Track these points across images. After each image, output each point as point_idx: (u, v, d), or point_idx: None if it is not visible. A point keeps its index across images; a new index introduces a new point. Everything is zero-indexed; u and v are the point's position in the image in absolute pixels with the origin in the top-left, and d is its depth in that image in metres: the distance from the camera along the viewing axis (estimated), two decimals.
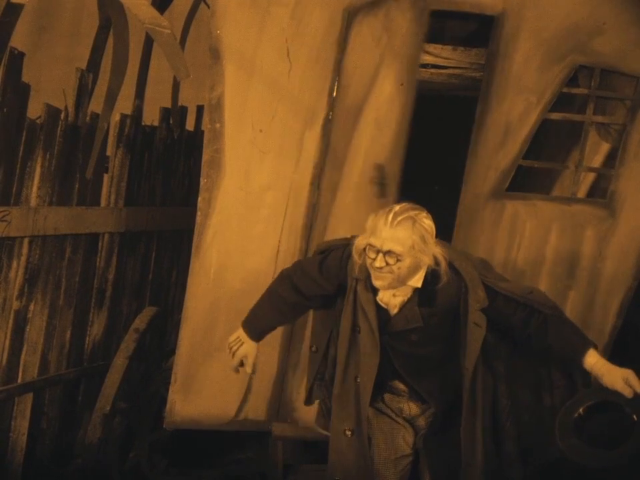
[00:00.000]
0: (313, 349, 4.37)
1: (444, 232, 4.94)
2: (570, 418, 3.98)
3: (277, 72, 4.67)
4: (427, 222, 3.91)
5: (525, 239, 5.04)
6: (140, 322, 5.67)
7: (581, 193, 5.17)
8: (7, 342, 5.21)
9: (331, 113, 4.76)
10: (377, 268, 3.87)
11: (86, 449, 5.33)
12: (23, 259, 5.23)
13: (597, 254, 5.09)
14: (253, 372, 4.30)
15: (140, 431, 5.65)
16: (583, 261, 5.10)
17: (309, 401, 4.44)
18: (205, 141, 4.74)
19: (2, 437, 5.27)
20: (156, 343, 5.92)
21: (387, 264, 3.86)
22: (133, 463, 5.65)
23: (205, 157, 4.74)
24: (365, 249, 3.90)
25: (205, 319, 4.88)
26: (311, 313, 4.42)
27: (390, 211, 3.89)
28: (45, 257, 5.38)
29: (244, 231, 4.83)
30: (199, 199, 4.78)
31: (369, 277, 3.97)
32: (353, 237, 4.01)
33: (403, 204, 3.94)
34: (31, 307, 5.34)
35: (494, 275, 4.14)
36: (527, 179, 5.19)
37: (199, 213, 4.79)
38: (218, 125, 4.69)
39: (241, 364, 4.28)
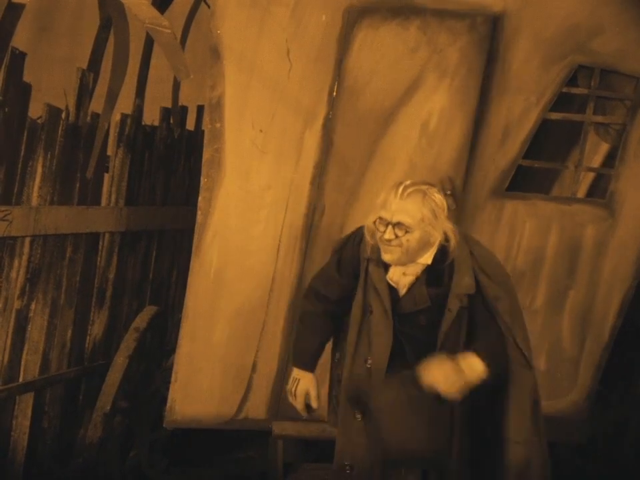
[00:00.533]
0: (337, 356, 4.32)
1: None
2: None
3: (277, 71, 4.68)
4: (437, 196, 3.89)
5: (525, 238, 5.05)
6: (140, 321, 5.68)
7: (581, 193, 5.18)
8: (8, 341, 5.22)
9: (331, 113, 4.77)
10: (386, 240, 3.85)
11: (87, 448, 5.34)
12: (24, 258, 5.24)
13: (597, 254, 5.09)
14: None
15: (140, 430, 5.66)
16: (582, 260, 5.10)
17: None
18: (205, 141, 4.75)
19: (3, 436, 5.28)
20: (156, 342, 5.93)
21: (396, 236, 3.83)
22: (133, 462, 5.66)
23: (205, 156, 4.74)
24: (375, 223, 3.88)
25: (205, 318, 4.89)
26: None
27: (400, 184, 3.87)
28: (46, 257, 5.39)
29: (244, 231, 4.84)
30: (199, 198, 4.78)
31: (380, 255, 3.93)
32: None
33: (415, 179, 3.93)
34: (32, 306, 5.35)
35: (488, 267, 4.02)
36: (526, 179, 5.19)
37: (199, 213, 4.79)
38: (218, 125, 4.70)
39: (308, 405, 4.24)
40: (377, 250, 3.95)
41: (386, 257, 3.90)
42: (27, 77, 5.12)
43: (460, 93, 4.80)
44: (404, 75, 4.76)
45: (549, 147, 5.26)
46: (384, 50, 4.72)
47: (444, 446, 4.04)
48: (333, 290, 4.17)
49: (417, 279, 3.96)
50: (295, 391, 4.23)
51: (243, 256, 4.85)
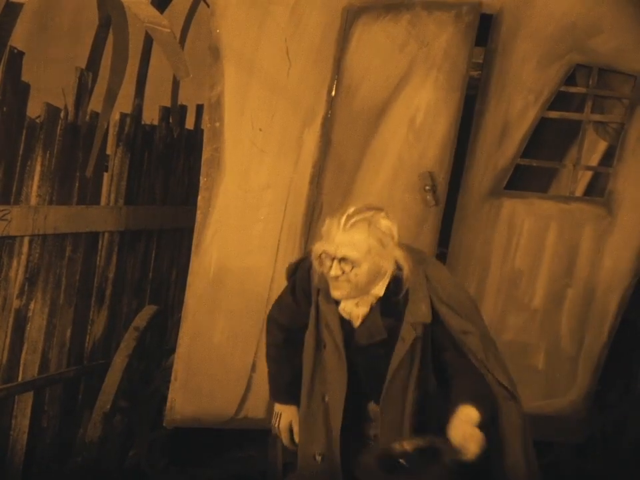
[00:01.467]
0: None
1: (443, 230, 4.97)
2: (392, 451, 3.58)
3: (276, 71, 4.68)
4: (384, 223, 3.61)
5: (523, 237, 5.05)
6: (140, 320, 5.68)
7: (579, 192, 5.19)
8: (8, 341, 5.22)
9: (330, 112, 4.77)
10: (333, 277, 3.58)
11: (86, 448, 5.33)
12: (23, 257, 5.23)
13: (595, 252, 5.10)
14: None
15: (140, 430, 5.66)
16: (581, 259, 5.10)
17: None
18: (205, 140, 4.75)
19: (2, 435, 5.28)
20: (156, 341, 5.93)
21: (343, 272, 3.56)
22: (133, 462, 5.66)
23: (205, 155, 4.74)
24: (320, 257, 3.63)
25: (205, 318, 4.89)
26: None
27: (343, 213, 3.60)
28: (45, 256, 5.39)
29: (244, 230, 4.84)
30: (199, 197, 4.78)
31: (329, 287, 3.67)
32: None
33: (360, 205, 3.65)
34: (31, 306, 5.35)
35: (449, 296, 3.73)
36: (525, 178, 5.20)
37: (198, 212, 4.79)
38: (217, 124, 4.70)
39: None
40: (324, 280, 3.68)
41: (335, 294, 3.63)
42: (25, 76, 5.12)
43: (446, 85, 4.78)
44: (394, 71, 4.76)
45: (547, 145, 5.27)
46: (377, 47, 4.72)
47: None
48: (290, 318, 3.94)
49: (371, 309, 3.69)
50: (278, 426, 4.07)
51: (242, 255, 4.85)
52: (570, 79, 4.94)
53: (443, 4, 4.70)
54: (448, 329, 3.67)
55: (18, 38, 5.28)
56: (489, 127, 4.88)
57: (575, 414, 5.26)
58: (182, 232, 6.74)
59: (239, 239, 4.84)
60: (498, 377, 3.72)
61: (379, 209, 3.65)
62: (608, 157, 5.12)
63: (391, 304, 3.66)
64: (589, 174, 5.22)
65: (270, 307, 4.84)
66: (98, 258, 5.90)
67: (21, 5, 4.90)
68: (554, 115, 4.96)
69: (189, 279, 4.87)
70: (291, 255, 4.87)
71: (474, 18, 4.72)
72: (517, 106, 4.87)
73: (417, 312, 3.65)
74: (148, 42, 6.56)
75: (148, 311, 5.82)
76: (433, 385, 3.75)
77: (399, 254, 3.62)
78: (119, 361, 5.44)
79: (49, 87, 6.52)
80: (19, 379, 5.31)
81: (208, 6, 4.98)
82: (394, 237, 3.62)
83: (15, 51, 4.99)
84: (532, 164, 5.04)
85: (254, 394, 5.02)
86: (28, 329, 5.35)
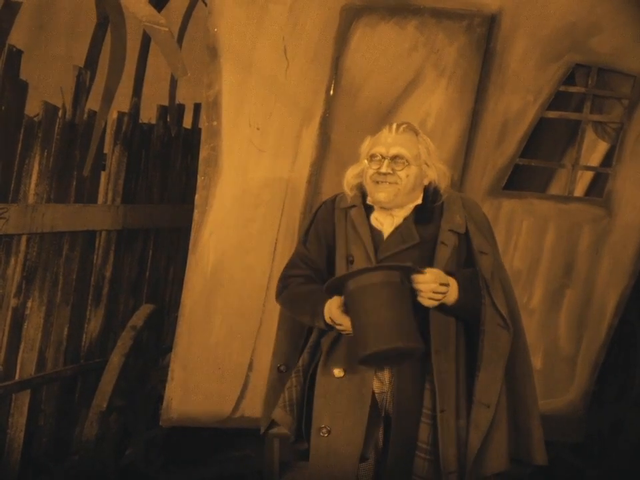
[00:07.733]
0: (282, 368, 4.01)
1: None
2: None
3: (274, 70, 4.68)
4: (428, 138, 3.84)
5: (522, 237, 5.04)
6: (137, 319, 5.67)
7: (579, 192, 5.18)
8: (5, 339, 5.22)
9: (327, 112, 4.76)
10: (382, 174, 3.70)
11: (83, 446, 5.33)
12: (21, 256, 5.23)
13: (594, 252, 5.09)
14: None
15: (137, 428, 5.66)
16: (579, 259, 5.10)
17: (269, 427, 4.07)
18: (202, 139, 4.75)
19: None
20: (153, 340, 5.92)
21: (393, 171, 3.71)
22: (129, 460, 5.65)
23: (202, 154, 4.74)
24: (367, 161, 3.74)
25: (202, 317, 4.88)
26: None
27: (392, 123, 3.82)
28: (43, 254, 5.38)
29: (241, 229, 4.84)
30: (196, 196, 4.78)
31: (364, 201, 3.80)
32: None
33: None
34: (29, 304, 5.35)
35: (478, 219, 3.89)
36: (523, 178, 5.19)
37: (196, 211, 4.79)
38: (215, 123, 4.70)
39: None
40: (359, 197, 3.81)
41: (380, 196, 3.72)
42: (23, 75, 5.12)
43: (457, 92, 4.80)
44: (401, 74, 4.76)
45: (546, 145, 5.27)
46: (381, 49, 4.72)
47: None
48: (308, 267, 3.92)
49: (405, 218, 3.80)
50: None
51: (239, 254, 4.85)
52: (569, 79, 4.94)
53: (453, 14, 4.70)
54: (470, 246, 3.80)
55: (16, 37, 5.28)
56: (488, 127, 4.88)
57: (573, 413, 5.26)
58: (179, 231, 6.74)
59: (237, 238, 4.83)
60: (496, 300, 3.75)
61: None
62: (610, 157, 5.12)
63: (426, 212, 3.80)
64: (590, 174, 5.22)
65: (266, 306, 4.87)
66: (95, 256, 5.90)
67: (19, 4, 4.90)
68: (553, 114, 4.95)
69: (186, 277, 4.87)
70: (288, 254, 4.85)
71: (485, 29, 4.72)
72: (516, 105, 4.87)
73: (453, 221, 3.80)
74: (146, 41, 6.56)
75: (145, 309, 5.81)
76: None
77: (441, 167, 3.82)
78: (116, 359, 5.43)
79: (47, 85, 6.53)
80: (16, 377, 5.31)
81: (205, 4, 4.98)
82: (435, 151, 3.83)
83: (14, 49, 4.99)
84: (531, 164, 5.03)
85: (251, 393, 5.02)
86: (25, 327, 5.35)
